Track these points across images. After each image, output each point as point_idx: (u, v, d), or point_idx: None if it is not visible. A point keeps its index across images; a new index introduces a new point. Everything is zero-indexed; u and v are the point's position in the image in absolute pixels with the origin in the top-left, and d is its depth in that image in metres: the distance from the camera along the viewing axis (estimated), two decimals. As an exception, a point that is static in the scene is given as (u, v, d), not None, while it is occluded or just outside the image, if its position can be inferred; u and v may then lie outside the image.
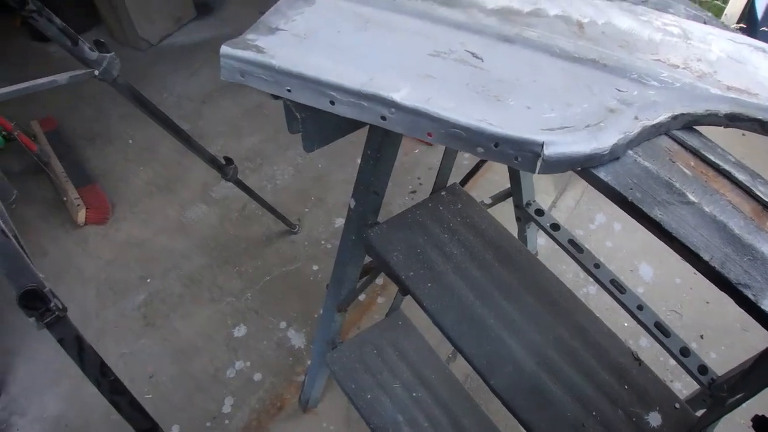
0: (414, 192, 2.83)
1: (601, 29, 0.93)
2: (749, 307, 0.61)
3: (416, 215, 1.36)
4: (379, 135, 1.14)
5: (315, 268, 2.55)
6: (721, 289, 0.64)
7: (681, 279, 2.40)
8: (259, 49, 0.84)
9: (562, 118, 0.72)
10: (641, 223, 0.71)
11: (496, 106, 0.73)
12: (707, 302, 2.32)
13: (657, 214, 0.69)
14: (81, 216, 2.81)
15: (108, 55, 1.59)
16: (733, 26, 3.30)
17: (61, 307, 1.16)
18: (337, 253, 1.45)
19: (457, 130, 0.71)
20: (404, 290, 1.24)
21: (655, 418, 1.01)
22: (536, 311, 1.17)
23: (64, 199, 2.90)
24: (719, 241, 0.65)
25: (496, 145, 0.70)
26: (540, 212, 1.79)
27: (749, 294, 0.61)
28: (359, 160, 3.08)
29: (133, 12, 3.72)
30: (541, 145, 0.68)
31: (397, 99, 0.73)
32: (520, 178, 1.74)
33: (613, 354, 1.11)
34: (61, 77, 1.54)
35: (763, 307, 0.59)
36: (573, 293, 1.22)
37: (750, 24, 3.27)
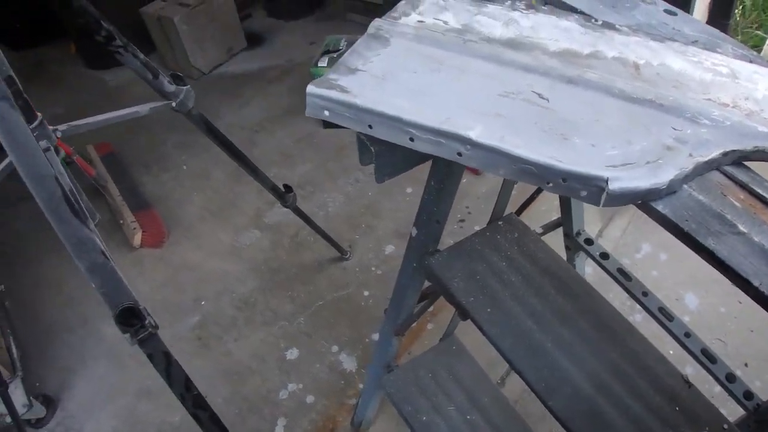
0: (462, 221, 2.92)
1: (656, 70, 1.02)
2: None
3: (475, 244, 1.45)
4: (443, 167, 1.24)
5: (366, 293, 2.65)
6: (772, 313, 0.72)
7: (725, 308, 2.43)
8: (342, 89, 0.95)
9: (624, 155, 0.82)
10: (696, 252, 0.79)
11: (563, 144, 0.83)
12: (751, 331, 2.35)
13: (710, 243, 0.77)
14: (137, 239, 2.97)
15: (184, 87, 1.74)
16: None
17: (153, 324, 1.28)
18: (396, 279, 1.55)
19: (529, 166, 0.81)
20: (464, 315, 1.33)
21: (706, 439, 1.08)
22: (591, 336, 1.25)
23: (120, 222, 3.07)
24: (768, 268, 0.74)
25: (564, 180, 0.79)
26: (589, 241, 1.86)
27: (797, 317, 0.69)
28: (408, 189, 3.19)
29: (187, 41, 3.93)
30: (606, 180, 0.77)
31: (473, 137, 0.83)
32: (571, 208, 1.82)
33: (664, 377, 1.18)
34: (143, 108, 1.69)
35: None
36: (626, 319, 1.30)
37: (794, 54, 3.33)
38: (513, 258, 1.41)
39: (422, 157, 1.11)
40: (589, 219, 2.88)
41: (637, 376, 1.18)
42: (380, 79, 0.98)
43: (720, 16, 2.92)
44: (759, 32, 3.87)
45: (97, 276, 1.23)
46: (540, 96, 0.93)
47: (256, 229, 3.03)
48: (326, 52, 3.44)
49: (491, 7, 1.15)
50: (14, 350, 2.46)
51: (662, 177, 0.80)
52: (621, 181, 0.78)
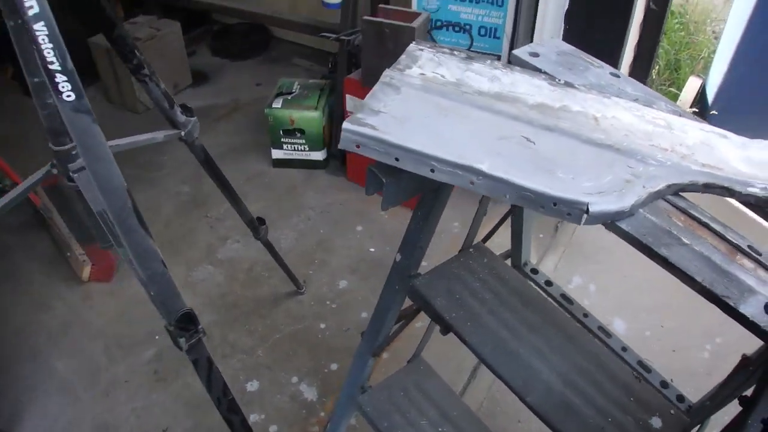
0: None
1: (610, 122, 1.33)
2: (730, 311, 0.99)
3: (451, 267, 1.73)
4: (431, 199, 1.51)
5: (322, 326, 2.87)
6: (711, 302, 1.01)
7: (650, 332, 2.81)
8: (373, 127, 1.21)
9: (597, 186, 1.11)
10: (652, 259, 1.08)
11: (551, 177, 1.12)
12: (673, 351, 2.73)
13: (663, 252, 1.07)
14: (86, 272, 3.07)
15: (192, 119, 1.95)
16: (687, 110, 3.95)
17: (203, 331, 1.46)
18: (377, 301, 1.78)
19: (528, 193, 1.09)
20: (446, 329, 1.59)
21: (656, 422, 1.38)
22: (558, 343, 1.53)
23: (68, 254, 3.15)
24: (707, 269, 1.04)
25: (555, 204, 1.08)
26: (535, 271, 2.18)
27: (730, 302, 0.98)
28: (359, 228, 3.44)
29: (135, 76, 4.08)
30: (587, 204, 1.06)
31: (484, 169, 1.11)
32: (521, 242, 2.13)
33: (620, 374, 1.48)
34: (158, 135, 1.89)
35: (740, 310, 0.97)
36: (583, 328, 1.61)
37: (701, 108, 3.98)
38: (485, 279, 1.70)
39: (419, 189, 1.39)
40: (525, 256, 3.23)
41: (597, 373, 1.48)
42: (400, 120, 1.24)
43: (639, 75, 3.41)
44: (672, 89, 4.45)
45: (155, 284, 1.40)
46: (528, 140, 1.22)
47: (209, 264, 3.20)
48: (279, 94, 3.70)
49: (476, 65, 1.45)
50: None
51: (626, 202, 1.10)
52: (597, 204, 1.07)
